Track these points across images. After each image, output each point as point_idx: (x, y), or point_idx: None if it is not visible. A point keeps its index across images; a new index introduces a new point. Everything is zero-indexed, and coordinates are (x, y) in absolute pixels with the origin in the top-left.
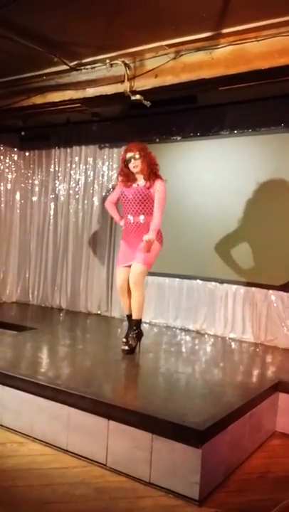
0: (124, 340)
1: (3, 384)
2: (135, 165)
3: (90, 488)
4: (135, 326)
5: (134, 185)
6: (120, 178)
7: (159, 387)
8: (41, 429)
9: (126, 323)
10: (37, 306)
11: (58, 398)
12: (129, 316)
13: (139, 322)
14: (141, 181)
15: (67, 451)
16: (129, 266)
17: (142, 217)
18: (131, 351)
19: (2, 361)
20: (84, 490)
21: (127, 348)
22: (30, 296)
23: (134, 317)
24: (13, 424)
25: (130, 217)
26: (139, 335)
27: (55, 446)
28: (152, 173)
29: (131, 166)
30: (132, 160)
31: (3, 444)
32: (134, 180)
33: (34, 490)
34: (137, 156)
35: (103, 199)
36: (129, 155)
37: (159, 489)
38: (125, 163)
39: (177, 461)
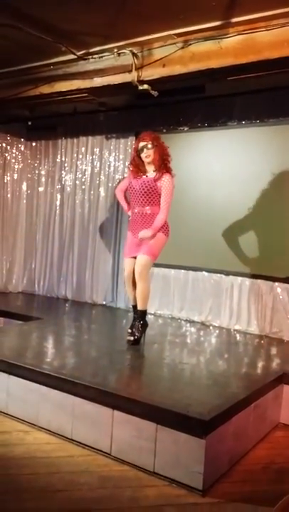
0: (130, 331)
1: (10, 373)
2: (147, 154)
3: (95, 477)
4: (140, 316)
5: (144, 176)
6: (131, 168)
7: (163, 377)
8: (46, 418)
9: (131, 314)
10: (43, 296)
11: (64, 388)
12: (135, 307)
13: (144, 313)
14: (150, 173)
15: (72, 440)
16: (135, 257)
17: (147, 208)
18: (136, 342)
19: (8, 351)
20: (88, 478)
21: (132, 338)
22: (36, 286)
23: (138, 308)
24: (19, 413)
25: (136, 208)
26: (144, 326)
27: (60, 435)
28: (163, 164)
29: (143, 155)
30: (145, 149)
31: (9, 432)
32: (145, 171)
33: (39, 478)
34: (150, 145)
35: (110, 190)
36: (142, 144)
37: (163, 479)
38: (137, 152)
39: (181, 451)
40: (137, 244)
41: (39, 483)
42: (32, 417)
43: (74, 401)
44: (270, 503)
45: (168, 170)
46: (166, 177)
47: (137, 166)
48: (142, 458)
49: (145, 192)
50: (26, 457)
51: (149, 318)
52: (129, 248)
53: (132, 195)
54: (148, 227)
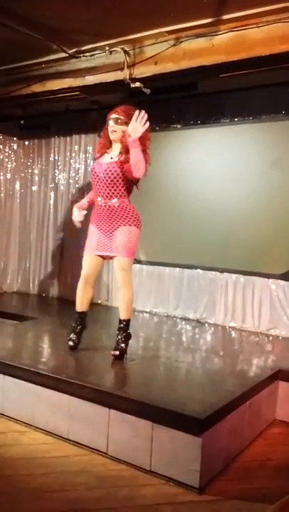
0: (73, 339)
1: (5, 373)
2: (113, 130)
3: (91, 477)
4: (126, 327)
5: (107, 158)
6: (97, 147)
7: (159, 376)
8: (42, 418)
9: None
10: (38, 295)
11: (59, 387)
12: (82, 313)
13: (128, 322)
14: (114, 153)
15: (68, 440)
16: (103, 257)
17: (114, 201)
18: (121, 356)
19: (3, 351)
20: (85, 478)
21: (117, 353)
22: (31, 285)
23: (123, 317)
24: (14, 414)
25: (101, 200)
26: (129, 336)
27: (56, 435)
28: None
29: (109, 128)
30: (111, 122)
31: (4, 433)
32: (108, 149)
33: (35, 479)
34: (120, 120)
35: None
36: (112, 116)
37: (160, 477)
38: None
39: (177, 449)
40: (106, 241)
41: (35, 483)
42: (28, 417)
43: (70, 401)
44: (266, 499)
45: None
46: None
47: (104, 143)
48: (139, 457)
49: (111, 180)
50: (22, 458)
51: (145, 316)
52: (95, 243)
53: (95, 184)
54: (118, 221)
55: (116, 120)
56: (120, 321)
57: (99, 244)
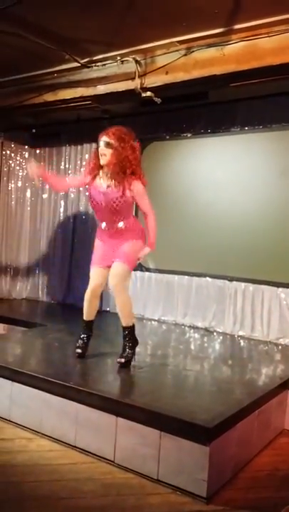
0: (79, 345)
1: (13, 380)
2: (103, 153)
3: (98, 485)
4: (130, 334)
5: (103, 185)
6: (88, 167)
7: (167, 384)
8: (50, 425)
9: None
10: (47, 302)
11: (67, 394)
12: (89, 322)
13: (132, 329)
14: (107, 180)
15: (75, 447)
16: (109, 267)
17: (120, 224)
18: (127, 364)
19: (12, 357)
20: (92, 486)
21: (123, 360)
22: (40, 292)
23: (125, 325)
24: (22, 420)
25: (106, 226)
26: (135, 343)
27: (63, 442)
28: (123, 172)
29: (99, 151)
30: (103, 145)
31: (12, 439)
32: (98, 172)
33: (42, 485)
34: (111, 142)
35: None
36: (103, 138)
37: (167, 486)
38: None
39: (185, 458)
40: (111, 254)
41: (42, 491)
42: (35, 424)
43: (77, 408)
44: (274, 510)
45: (134, 176)
46: (134, 184)
47: (95, 163)
48: (146, 465)
49: (116, 210)
50: (29, 465)
51: (153, 324)
52: (101, 257)
53: (97, 211)
54: (125, 237)
55: (106, 144)
56: (123, 329)
57: (104, 257)
